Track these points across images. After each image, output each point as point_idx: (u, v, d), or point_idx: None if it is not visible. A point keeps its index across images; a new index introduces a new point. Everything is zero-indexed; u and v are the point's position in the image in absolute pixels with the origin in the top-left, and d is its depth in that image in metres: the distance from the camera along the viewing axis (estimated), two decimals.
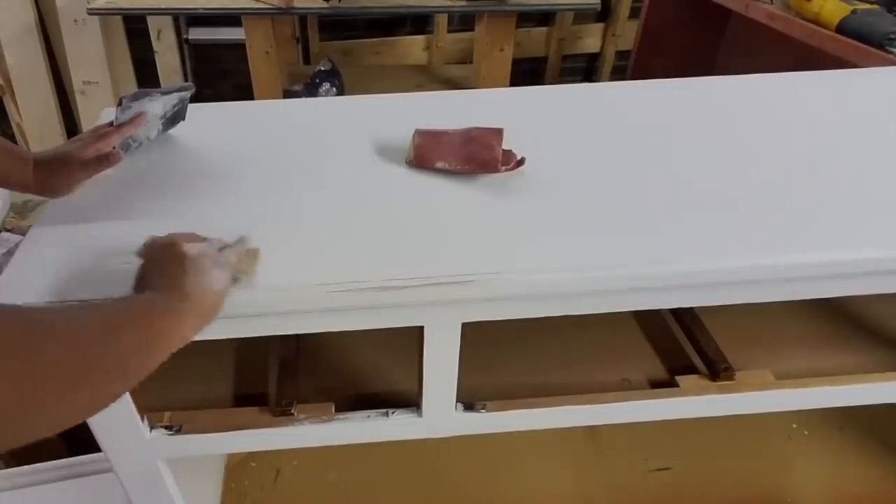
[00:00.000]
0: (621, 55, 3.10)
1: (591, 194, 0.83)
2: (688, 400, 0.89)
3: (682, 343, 0.97)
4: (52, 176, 0.79)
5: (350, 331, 0.73)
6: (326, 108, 1.09)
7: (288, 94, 2.38)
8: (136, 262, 0.63)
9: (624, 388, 0.91)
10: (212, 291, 0.60)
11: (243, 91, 2.70)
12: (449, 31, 2.93)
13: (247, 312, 0.69)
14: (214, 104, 1.05)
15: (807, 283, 0.76)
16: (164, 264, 0.61)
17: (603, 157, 0.91)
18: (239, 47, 2.31)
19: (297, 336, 0.94)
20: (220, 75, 2.91)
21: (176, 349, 0.56)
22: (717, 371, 0.89)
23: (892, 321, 1.01)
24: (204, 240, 0.65)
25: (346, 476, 1.25)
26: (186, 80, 2.74)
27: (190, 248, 0.62)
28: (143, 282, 0.61)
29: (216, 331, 0.71)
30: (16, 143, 2.30)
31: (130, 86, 2.70)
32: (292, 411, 0.84)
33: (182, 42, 2.71)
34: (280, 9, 2.04)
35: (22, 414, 0.41)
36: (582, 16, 3.04)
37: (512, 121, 0.93)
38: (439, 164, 0.87)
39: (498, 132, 0.88)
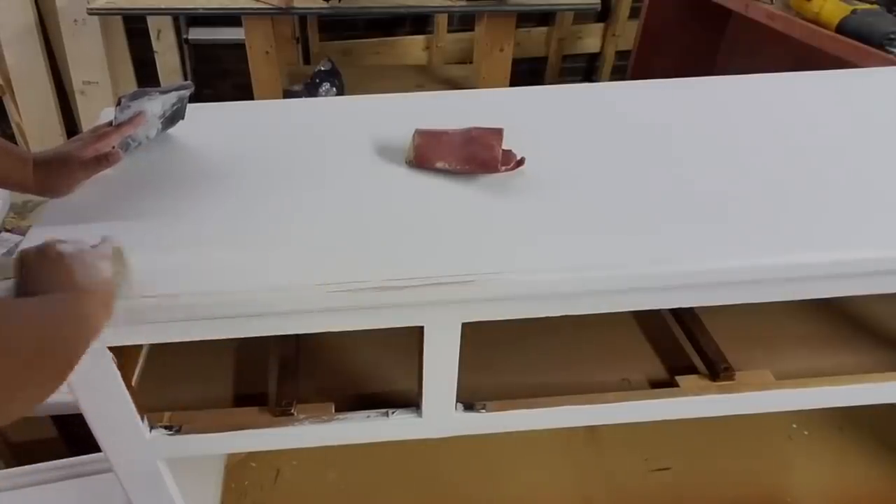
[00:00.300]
0: (621, 55, 3.10)
1: (591, 194, 0.83)
2: (688, 400, 0.89)
3: (682, 343, 0.97)
4: (52, 176, 0.79)
5: (350, 331, 0.73)
6: (326, 108, 1.09)
7: (288, 94, 2.38)
8: (7, 284, 0.60)
9: (624, 388, 0.91)
10: (103, 281, 0.60)
11: (243, 91, 2.70)
12: (449, 31, 2.93)
13: (247, 312, 0.69)
14: (214, 104, 1.05)
15: (807, 283, 0.76)
16: (45, 270, 0.59)
17: (603, 157, 0.91)
18: (239, 47, 2.31)
19: (297, 336, 0.94)
20: (220, 75, 2.91)
21: (89, 346, 0.56)
22: (717, 371, 0.89)
23: (892, 321, 1.01)
24: (69, 242, 0.63)
25: (346, 476, 1.25)
26: (186, 80, 2.74)
27: (65, 248, 0.60)
28: (25, 295, 0.58)
29: (216, 331, 0.71)
30: (16, 143, 2.30)
31: (130, 86, 2.70)
32: (292, 411, 0.84)
33: (182, 42, 2.72)
34: (280, 9, 2.04)
35: None
36: (582, 16, 3.04)
37: (512, 121, 0.92)
38: (439, 164, 0.87)
39: (498, 132, 0.88)
